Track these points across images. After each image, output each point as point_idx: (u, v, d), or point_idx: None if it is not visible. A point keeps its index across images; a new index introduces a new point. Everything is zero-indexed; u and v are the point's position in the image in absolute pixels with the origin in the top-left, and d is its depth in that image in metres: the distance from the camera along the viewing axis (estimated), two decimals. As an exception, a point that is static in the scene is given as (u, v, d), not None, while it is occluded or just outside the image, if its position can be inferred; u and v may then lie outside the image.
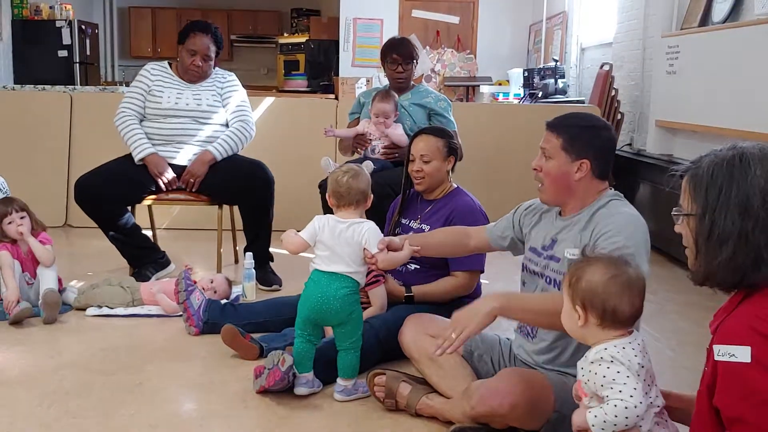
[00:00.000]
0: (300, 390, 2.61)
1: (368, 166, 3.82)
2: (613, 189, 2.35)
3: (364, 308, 2.97)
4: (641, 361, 1.68)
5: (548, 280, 2.32)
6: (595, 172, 2.25)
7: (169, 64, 4.17)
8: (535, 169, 2.32)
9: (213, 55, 4.07)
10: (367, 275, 2.76)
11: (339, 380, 2.62)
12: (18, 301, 3.29)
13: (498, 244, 2.62)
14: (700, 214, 1.54)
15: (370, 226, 2.54)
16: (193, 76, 4.07)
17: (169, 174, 3.90)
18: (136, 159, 3.90)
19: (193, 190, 3.95)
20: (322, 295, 2.51)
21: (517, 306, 2.15)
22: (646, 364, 1.71)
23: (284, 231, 2.63)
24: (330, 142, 5.31)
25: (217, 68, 4.21)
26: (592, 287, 1.69)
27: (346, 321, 2.55)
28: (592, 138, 2.26)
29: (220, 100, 4.10)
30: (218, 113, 4.08)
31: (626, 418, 1.60)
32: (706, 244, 1.53)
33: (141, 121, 4.03)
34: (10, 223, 3.39)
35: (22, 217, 3.42)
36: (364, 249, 2.50)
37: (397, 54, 4.19)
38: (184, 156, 4.01)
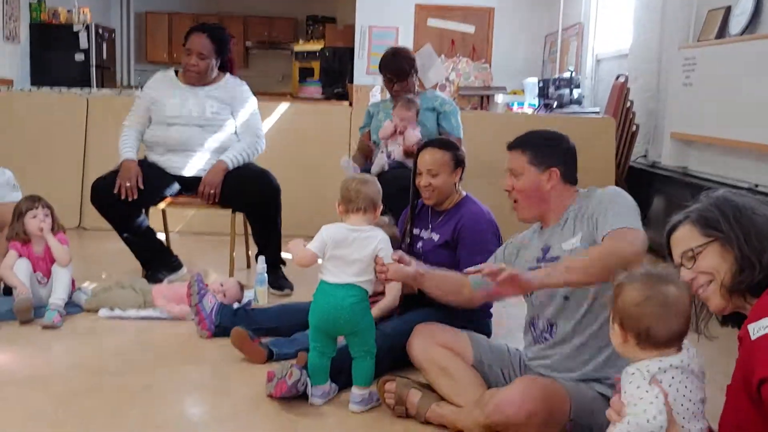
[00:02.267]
0: (315, 401, 2.58)
1: (382, 160, 3.82)
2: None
3: (378, 300, 2.99)
4: (680, 384, 1.59)
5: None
6: (564, 177, 2.36)
7: (176, 72, 4.16)
8: (507, 190, 2.41)
9: (209, 54, 3.98)
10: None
11: (355, 389, 2.58)
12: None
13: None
14: (727, 231, 1.65)
15: (384, 236, 2.53)
16: (191, 76, 4.01)
17: (131, 182, 3.80)
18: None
19: (216, 201, 3.93)
20: (331, 306, 2.48)
21: (564, 277, 2.12)
22: (686, 388, 1.61)
23: (297, 236, 2.62)
24: (343, 148, 5.32)
25: (230, 76, 4.16)
26: (626, 307, 1.63)
27: (358, 330, 2.53)
28: (555, 147, 2.39)
29: (227, 108, 4.06)
30: (225, 121, 4.04)
31: None
32: (748, 246, 1.63)
33: (143, 131, 4.06)
34: (34, 217, 3.42)
35: (46, 215, 3.45)
36: (377, 257, 2.48)
37: (390, 73, 4.20)
38: (192, 167, 4.01)
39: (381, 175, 3.97)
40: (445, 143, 3.18)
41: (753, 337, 1.51)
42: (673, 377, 1.58)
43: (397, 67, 4.19)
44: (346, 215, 2.57)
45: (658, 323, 1.60)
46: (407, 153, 3.99)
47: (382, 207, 2.62)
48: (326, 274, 2.52)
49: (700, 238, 1.70)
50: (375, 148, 4.23)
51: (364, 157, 4.32)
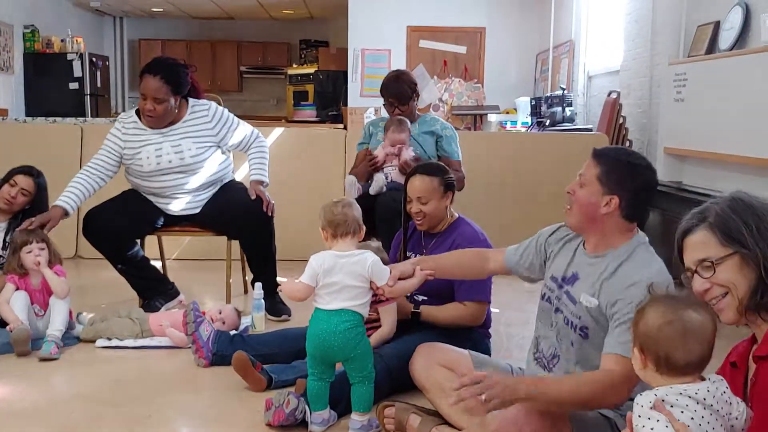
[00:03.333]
0: (315, 428, 2.57)
1: (380, 180, 3.82)
2: (639, 231, 2.26)
3: (375, 327, 2.97)
4: (700, 418, 1.52)
5: (566, 321, 2.27)
6: (624, 212, 2.18)
7: (137, 113, 3.94)
8: (568, 192, 2.27)
9: (166, 96, 3.76)
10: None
11: (354, 415, 2.55)
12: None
13: (516, 269, 2.55)
14: (750, 245, 1.60)
15: (374, 258, 2.51)
16: (150, 121, 3.83)
17: (39, 223, 3.54)
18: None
19: (273, 212, 3.87)
20: (325, 332, 2.46)
21: (548, 397, 2.04)
22: (708, 423, 1.53)
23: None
24: (338, 171, 5.33)
25: (194, 103, 3.96)
26: (647, 331, 1.58)
27: (354, 356, 2.50)
28: (629, 175, 2.17)
29: (207, 144, 3.92)
30: (206, 160, 3.92)
31: None
32: None
33: (102, 177, 3.88)
34: (29, 252, 3.41)
35: (41, 249, 3.45)
36: (371, 282, 2.48)
37: (392, 97, 4.20)
38: (178, 205, 3.97)
39: (378, 197, 3.98)
40: (433, 169, 3.15)
41: None
42: (687, 405, 1.51)
43: (400, 92, 4.19)
44: (333, 240, 2.55)
45: (677, 349, 1.54)
46: (403, 171, 3.99)
47: (364, 229, 2.61)
48: (320, 302, 2.51)
49: (720, 248, 1.62)
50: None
51: (365, 172, 4.29)
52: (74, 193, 3.79)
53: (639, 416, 1.55)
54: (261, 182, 3.95)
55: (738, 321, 1.64)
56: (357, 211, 2.57)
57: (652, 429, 1.49)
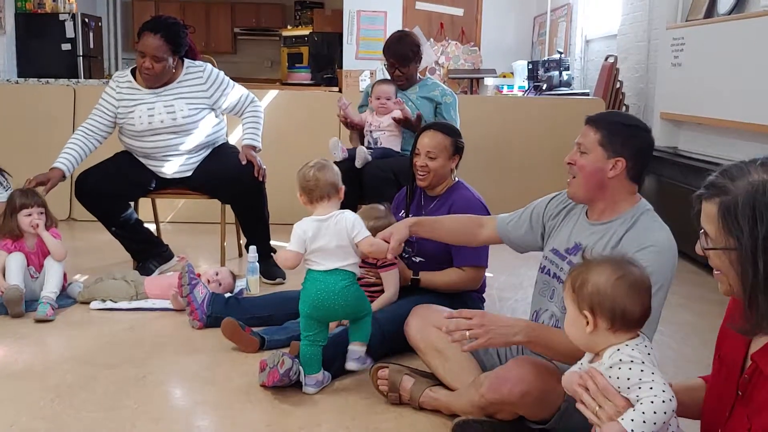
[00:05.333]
0: (309, 390, 2.60)
1: (362, 152, 3.81)
2: (641, 198, 2.27)
3: (379, 292, 3.00)
4: (654, 360, 1.61)
5: None
6: (630, 173, 2.19)
7: (132, 72, 3.94)
8: (569, 163, 2.27)
9: (165, 54, 3.76)
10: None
11: (351, 345, 2.61)
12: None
13: (508, 239, 2.58)
14: (748, 250, 1.40)
15: (352, 216, 2.53)
16: (148, 79, 3.82)
17: (33, 183, 3.56)
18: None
19: (264, 177, 3.87)
20: (322, 292, 2.49)
21: (543, 341, 2.11)
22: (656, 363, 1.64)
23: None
24: (333, 134, 5.30)
25: (189, 64, 3.95)
26: (599, 290, 1.61)
27: (360, 317, 2.58)
28: (631, 137, 2.20)
29: (201, 106, 3.91)
30: (200, 122, 3.91)
31: (665, 413, 1.51)
32: (765, 282, 1.39)
33: (98, 138, 3.88)
34: (28, 215, 3.40)
35: (41, 212, 3.44)
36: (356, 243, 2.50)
37: (393, 58, 4.16)
38: (170, 167, 3.95)
39: (366, 167, 3.95)
40: (448, 128, 3.19)
41: None
42: (643, 362, 1.59)
43: (402, 53, 4.15)
44: (311, 206, 2.55)
45: (633, 302, 1.60)
46: (405, 125, 3.99)
47: (344, 187, 2.60)
48: (312, 265, 2.53)
49: (721, 234, 1.46)
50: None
51: (361, 136, 4.27)
52: (71, 155, 3.79)
53: (618, 368, 1.58)
54: (253, 147, 3.92)
55: (732, 295, 1.59)
56: (330, 173, 2.55)
57: (663, 391, 1.53)
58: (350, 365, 2.62)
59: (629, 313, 1.60)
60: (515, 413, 2.18)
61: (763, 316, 1.40)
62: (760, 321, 1.42)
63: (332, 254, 2.50)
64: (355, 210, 2.70)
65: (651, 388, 1.53)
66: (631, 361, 1.57)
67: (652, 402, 1.51)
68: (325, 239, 2.49)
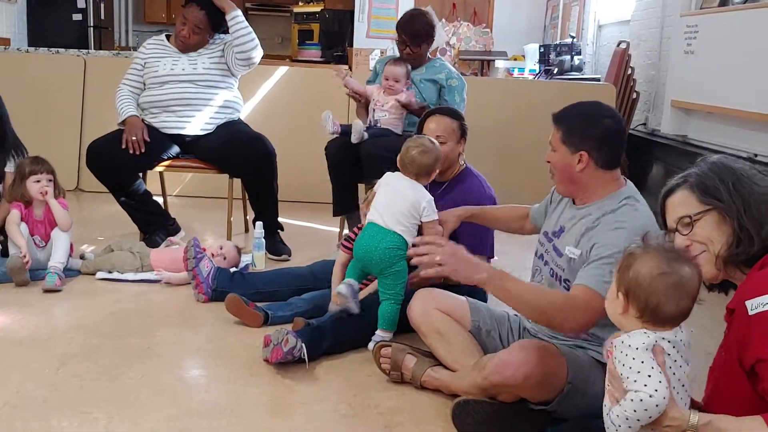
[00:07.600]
0: (342, 289, 2.72)
1: (359, 126, 3.78)
2: (627, 181, 2.28)
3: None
4: (680, 354, 1.58)
5: (551, 272, 2.33)
6: (599, 163, 2.21)
7: (167, 37, 4.17)
8: (548, 161, 2.33)
9: (205, 28, 4.03)
10: None
11: (378, 332, 2.75)
12: (27, 261, 3.31)
13: (540, 228, 2.60)
14: (726, 200, 1.64)
15: (431, 199, 2.73)
16: (180, 44, 4.05)
17: (138, 136, 3.82)
18: (118, 123, 3.97)
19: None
20: (367, 246, 2.71)
21: (505, 289, 2.14)
22: (680, 365, 1.59)
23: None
24: (343, 112, 5.29)
25: (216, 36, 4.16)
26: (638, 279, 1.58)
27: (388, 273, 2.71)
28: (588, 128, 2.21)
29: (221, 64, 4.08)
30: (217, 77, 4.07)
31: (645, 410, 1.50)
32: (747, 218, 1.61)
33: (139, 94, 4.07)
34: (37, 181, 3.41)
35: (49, 180, 3.45)
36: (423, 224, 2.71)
37: (406, 35, 4.03)
38: (191, 126, 4.01)
39: (363, 145, 3.82)
40: (454, 112, 3.19)
41: (751, 313, 1.49)
42: (669, 354, 1.56)
43: (415, 30, 4.00)
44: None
45: (668, 301, 1.56)
46: (410, 110, 3.92)
47: (437, 172, 2.81)
48: (374, 213, 2.74)
49: (698, 205, 1.68)
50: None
51: (367, 111, 4.21)
52: (131, 105, 4.02)
53: (625, 354, 1.56)
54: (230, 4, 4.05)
55: (716, 276, 1.69)
56: (429, 158, 2.74)
57: (649, 376, 1.51)
58: (370, 346, 2.70)
59: (662, 310, 1.57)
60: (517, 395, 2.19)
61: (757, 243, 1.61)
62: (757, 246, 1.61)
63: (394, 209, 2.70)
64: (354, 191, 2.81)
65: (646, 385, 1.51)
66: (636, 349, 1.55)
67: (641, 400, 1.50)
68: (398, 196, 2.71)
